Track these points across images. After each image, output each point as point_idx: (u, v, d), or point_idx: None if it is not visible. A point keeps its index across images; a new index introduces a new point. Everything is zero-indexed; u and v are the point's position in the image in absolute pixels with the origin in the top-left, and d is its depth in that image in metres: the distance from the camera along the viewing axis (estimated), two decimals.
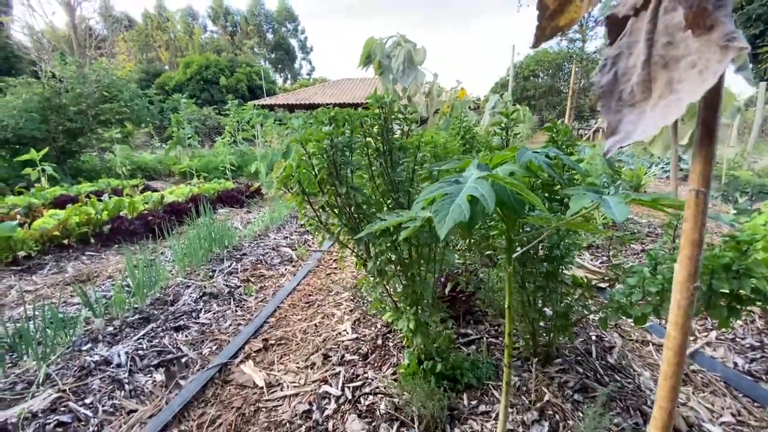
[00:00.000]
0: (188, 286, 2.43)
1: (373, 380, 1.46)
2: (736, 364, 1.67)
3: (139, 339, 1.81)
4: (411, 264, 1.35)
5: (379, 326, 1.87)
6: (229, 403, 1.44)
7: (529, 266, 1.39)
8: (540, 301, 1.45)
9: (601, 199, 0.79)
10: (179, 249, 2.82)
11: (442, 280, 1.85)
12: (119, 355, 1.65)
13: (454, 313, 1.82)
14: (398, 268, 1.33)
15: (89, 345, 1.76)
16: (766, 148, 8.53)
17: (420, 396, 1.23)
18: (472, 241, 1.84)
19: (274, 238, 3.62)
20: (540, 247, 1.40)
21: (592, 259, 2.83)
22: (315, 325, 2.01)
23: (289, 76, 51.15)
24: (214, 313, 2.12)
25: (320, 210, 1.36)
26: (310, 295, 2.41)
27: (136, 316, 2.02)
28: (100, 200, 4.32)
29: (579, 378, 1.41)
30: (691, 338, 1.87)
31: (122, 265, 2.98)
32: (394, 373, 1.49)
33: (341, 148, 1.24)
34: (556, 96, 26.85)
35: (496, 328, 1.80)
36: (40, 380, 1.49)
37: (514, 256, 1.03)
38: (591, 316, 1.92)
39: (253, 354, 1.76)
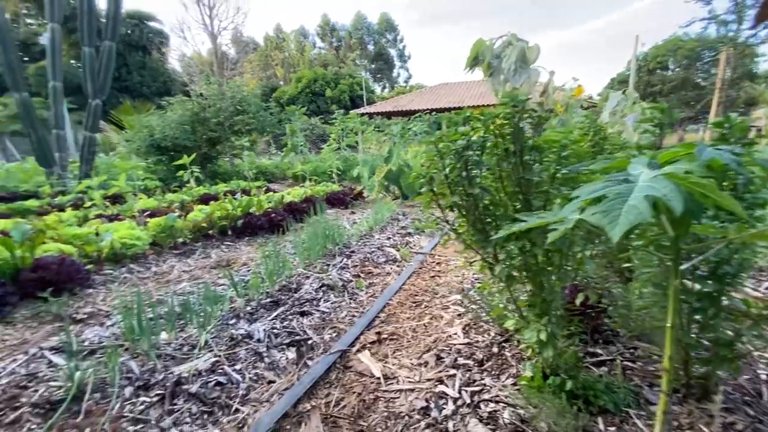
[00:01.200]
0: (308, 277, 2.68)
1: (491, 387, 1.42)
2: None
3: (272, 319, 2.05)
4: (541, 271, 1.27)
5: (492, 334, 1.81)
6: (350, 388, 1.54)
7: (689, 283, 1.21)
8: (697, 327, 1.25)
9: None
10: (299, 243, 3.13)
11: (568, 292, 1.72)
12: (258, 332, 1.89)
13: (582, 329, 1.67)
14: (526, 274, 1.27)
15: (234, 320, 2.06)
16: None
17: (550, 412, 1.15)
18: (595, 252, 1.67)
19: (378, 239, 3.77)
20: (702, 263, 1.20)
21: (754, 284, 2.33)
22: (424, 324, 2.04)
23: (387, 84, 53.15)
24: (331, 303, 2.30)
25: (445, 210, 1.37)
26: (416, 295, 2.45)
27: (268, 300, 2.30)
28: (234, 199, 5.03)
29: (750, 422, 1.17)
30: None
31: (253, 254, 3.42)
32: (514, 384, 1.43)
33: (475, 148, 1.24)
34: (691, 90, 22.86)
35: (631, 351, 1.60)
36: (201, 345, 1.79)
37: (683, 267, 0.91)
38: (756, 351, 1.59)
39: (368, 345, 1.85)
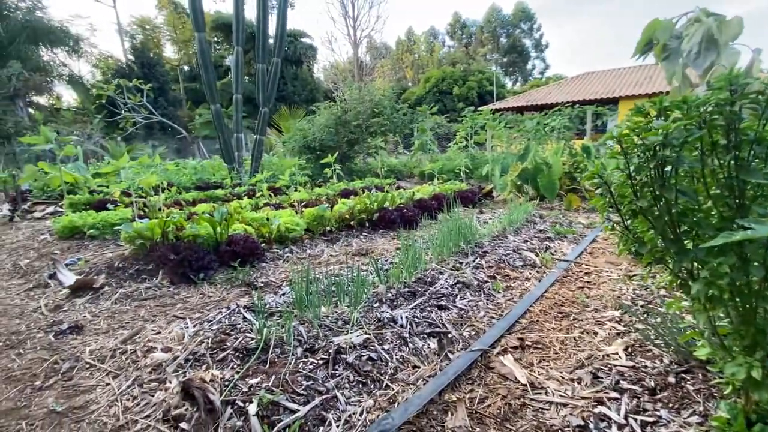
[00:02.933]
0: (441, 273, 2.73)
1: (669, 422, 1.22)
2: None
3: (412, 308, 2.15)
4: (757, 293, 1.03)
5: (666, 361, 1.55)
6: (493, 388, 1.52)
7: None
8: None
9: None
10: (429, 239, 3.20)
11: None
12: (401, 317, 2.01)
13: None
14: (737, 297, 1.04)
15: (377, 304, 2.23)
16: None
17: None
18: None
19: (513, 240, 3.59)
20: None
21: None
22: (574, 338, 1.87)
23: (519, 77, 49.95)
24: (468, 301, 2.30)
25: (629, 214, 1.22)
26: (561, 305, 2.26)
27: (406, 290, 2.42)
28: (371, 194, 5.45)
29: None
30: None
31: (387, 246, 3.65)
32: (701, 424, 1.20)
33: (675, 144, 1.07)
34: None
35: None
36: (353, 322, 2.00)
37: None
38: None
39: (510, 349, 1.79)
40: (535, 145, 6.21)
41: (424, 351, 1.77)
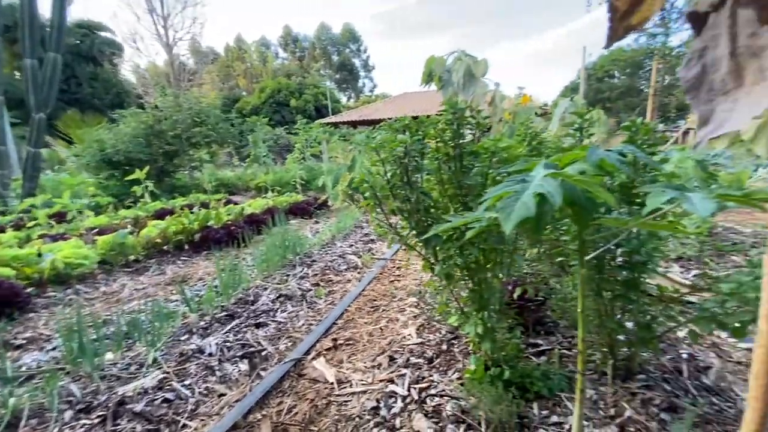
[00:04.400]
0: (266, 288, 2.65)
1: (438, 383, 1.47)
2: None
3: (226, 332, 2.02)
4: (478, 268, 1.35)
5: (443, 332, 1.88)
6: (303, 395, 1.55)
7: (607, 273, 1.32)
8: (619, 312, 1.37)
9: (683, 195, 0.75)
10: (258, 255, 3.09)
11: (510, 287, 1.82)
12: (210, 346, 1.86)
13: (523, 322, 1.76)
14: (465, 272, 1.35)
15: (186, 336, 2.01)
16: None
17: (487, 401, 1.22)
18: (543, 249, 1.78)
19: (341, 246, 3.79)
20: (618, 254, 1.33)
21: (682, 272, 2.55)
22: (380, 328, 2.08)
23: (352, 94, 53.47)
24: (288, 313, 2.29)
25: (390, 214, 1.43)
26: (374, 300, 2.49)
27: (223, 313, 2.26)
28: (191, 212, 4.89)
29: (666, 396, 1.29)
30: None
31: (210, 268, 3.34)
32: (459, 378, 1.49)
33: (414, 154, 1.31)
34: (636, 96, 24.66)
35: (569, 339, 1.71)
36: (149, 362, 1.73)
37: (588, 258, 1.00)
38: (680, 332, 1.75)
39: (324, 352, 1.87)
40: (362, 157, 6.72)
41: (234, 375, 1.67)
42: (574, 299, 1.61)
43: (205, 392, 1.55)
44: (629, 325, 1.38)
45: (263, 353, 1.85)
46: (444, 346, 1.74)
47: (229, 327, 2.08)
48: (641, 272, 1.29)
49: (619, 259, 1.33)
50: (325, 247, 3.75)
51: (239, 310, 2.32)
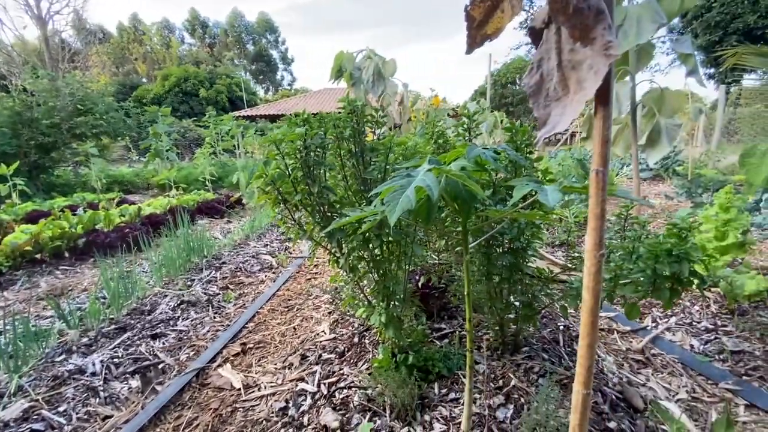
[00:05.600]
0: (166, 296, 2.42)
1: (348, 375, 1.50)
2: (692, 346, 1.77)
3: (114, 348, 1.80)
4: (382, 260, 1.40)
5: (356, 325, 1.91)
6: (206, 405, 1.45)
7: (494, 259, 1.47)
8: (505, 293, 1.53)
9: (539, 188, 0.86)
10: (157, 260, 2.80)
11: (417, 277, 1.92)
12: (94, 364, 1.64)
13: (429, 309, 1.88)
14: (370, 264, 1.38)
15: (63, 356, 1.75)
16: (730, 148, 8.98)
17: (392, 386, 1.27)
18: (450, 241, 1.91)
19: (254, 247, 3.62)
20: (503, 241, 1.48)
21: (564, 255, 2.94)
22: (294, 327, 2.04)
23: (270, 86, 51.10)
24: (191, 321, 2.13)
25: (294, 209, 1.41)
26: (289, 299, 2.43)
27: (112, 327, 2.01)
28: (74, 214, 4.24)
29: (544, 364, 1.49)
30: (652, 324, 1.98)
31: (99, 278, 2.94)
32: (369, 368, 1.53)
33: (314, 148, 1.30)
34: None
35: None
36: (12, 391, 1.47)
37: (473, 245, 1.10)
38: (557, 307, 2.02)
39: (231, 358, 1.77)
40: (270, 143, 6.46)
41: (123, 394, 1.50)
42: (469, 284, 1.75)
43: (85, 417, 1.37)
44: (517, 304, 1.56)
45: (160, 366, 1.69)
46: (356, 339, 1.77)
47: (118, 341, 1.86)
48: (522, 257, 1.45)
49: (506, 246, 1.49)
50: (237, 248, 3.54)
51: (132, 321, 2.08)
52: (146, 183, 8.87)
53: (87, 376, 1.57)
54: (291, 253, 3.49)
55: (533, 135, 1.54)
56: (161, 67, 38.70)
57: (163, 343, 1.88)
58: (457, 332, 1.75)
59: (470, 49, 0.70)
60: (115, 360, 1.69)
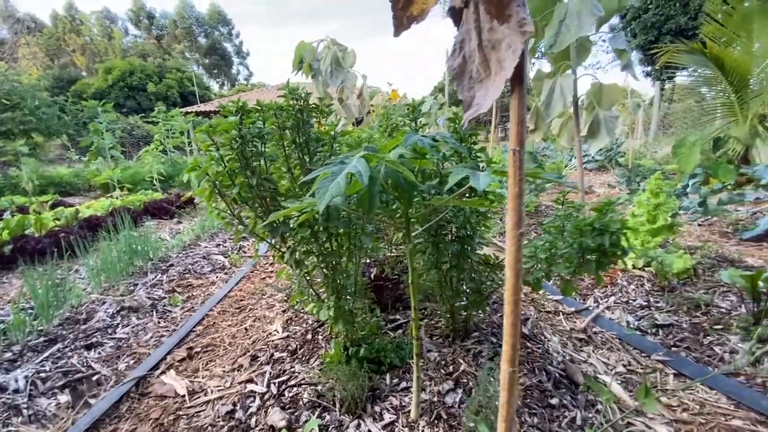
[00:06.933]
0: (104, 302, 2.25)
1: (299, 373, 1.46)
2: (628, 322, 1.90)
3: (41, 361, 1.64)
4: (332, 253, 1.37)
5: (310, 322, 1.87)
6: (146, 415, 1.36)
7: (442, 247, 1.48)
8: (455, 280, 1.55)
9: (473, 174, 0.87)
10: (95, 264, 2.60)
11: (371, 269, 1.90)
12: (17, 380, 1.49)
13: (383, 300, 1.87)
14: (319, 258, 1.35)
15: None
16: (665, 140, 9.74)
17: (342, 380, 1.26)
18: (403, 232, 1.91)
19: (206, 247, 3.46)
20: (451, 229, 1.50)
21: None
22: (245, 328, 1.96)
23: (226, 81, 49.08)
24: (133, 327, 1.99)
25: (233, 203, 1.34)
26: (241, 300, 2.34)
27: (41, 339, 1.84)
28: (0, 219, 3.84)
29: (492, 347, 1.53)
30: (594, 304, 2.10)
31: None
32: (321, 364, 1.50)
33: (251, 138, 1.24)
34: None
35: (422, 311, 1.88)
36: None
37: (419, 233, 1.10)
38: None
39: (176, 364, 1.68)
40: (202, 134, 6.22)
41: (50, 410, 1.38)
42: (423, 274, 1.77)
43: None
44: (467, 291, 1.59)
45: (95, 378, 1.57)
46: (309, 336, 1.73)
47: (47, 354, 1.70)
48: (469, 244, 1.48)
49: (453, 234, 1.51)
50: (186, 249, 3.36)
51: (65, 332, 1.92)
52: (88, 184, 8.23)
53: (8, 394, 1.43)
54: (245, 252, 3.37)
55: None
56: (103, 59, 35.99)
57: (99, 353, 1.75)
58: (411, 322, 1.75)
59: (397, 31, 0.69)
60: (42, 374, 1.55)
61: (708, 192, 3.34)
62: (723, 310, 1.86)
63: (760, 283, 1.66)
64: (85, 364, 1.65)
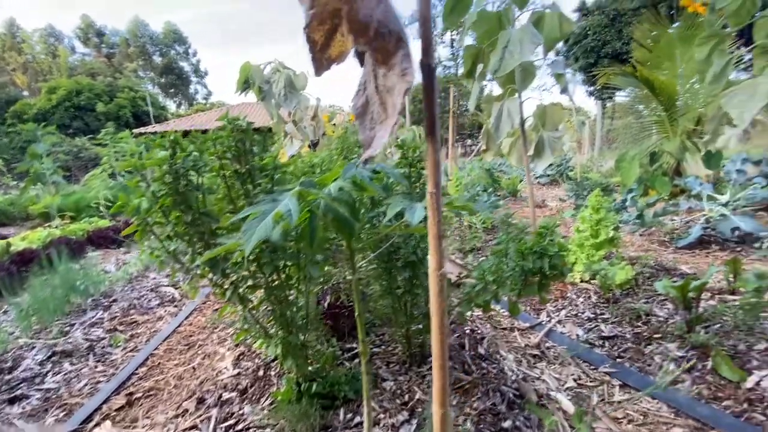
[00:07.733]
0: (34, 347, 2.05)
1: (248, 415, 1.38)
2: (578, 335, 1.97)
3: None
4: (278, 286, 1.33)
5: (263, 357, 1.79)
6: None
7: (394, 273, 1.48)
8: (408, 305, 1.55)
9: (410, 205, 0.88)
10: (24, 305, 2.37)
11: (326, 297, 1.86)
12: None
13: (339, 328, 1.83)
14: (266, 292, 1.30)
15: None
16: (609, 154, 10.48)
17: (292, 421, 1.20)
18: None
19: (154, 278, 3.26)
20: (402, 255, 1.50)
21: (473, 260, 3.11)
22: (193, 367, 1.85)
23: (183, 101, 47.66)
24: (64, 375, 1.81)
25: (167, 240, 1.27)
26: (191, 335, 2.21)
27: None
28: None
29: (449, 371, 1.52)
30: (547, 318, 2.16)
31: None
32: (272, 403, 1.43)
33: (184, 173, 1.19)
34: (441, 117, 29.59)
35: (380, 337, 1.86)
36: None
37: (368, 259, 1.09)
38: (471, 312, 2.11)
39: (113, 413, 1.54)
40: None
41: None
42: (378, 300, 1.75)
43: None
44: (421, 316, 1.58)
45: None
46: (261, 372, 1.65)
47: None
48: (420, 269, 1.49)
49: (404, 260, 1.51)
50: (133, 282, 3.15)
51: None
52: (25, 213, 7.59)
53: None
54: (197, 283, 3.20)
55: (423, 149, 1.61)
56: (47, 78, 33.95)
57: (24, 407, 1.57)
58: (367, 351, 1.72)
59: (318, 72, 0.69)
60: None
61: (644, 205, 3.60)
62: (661, 319, 1.98)
63: (690, 293, 1.78)
64: (5, 422, 1.47)
